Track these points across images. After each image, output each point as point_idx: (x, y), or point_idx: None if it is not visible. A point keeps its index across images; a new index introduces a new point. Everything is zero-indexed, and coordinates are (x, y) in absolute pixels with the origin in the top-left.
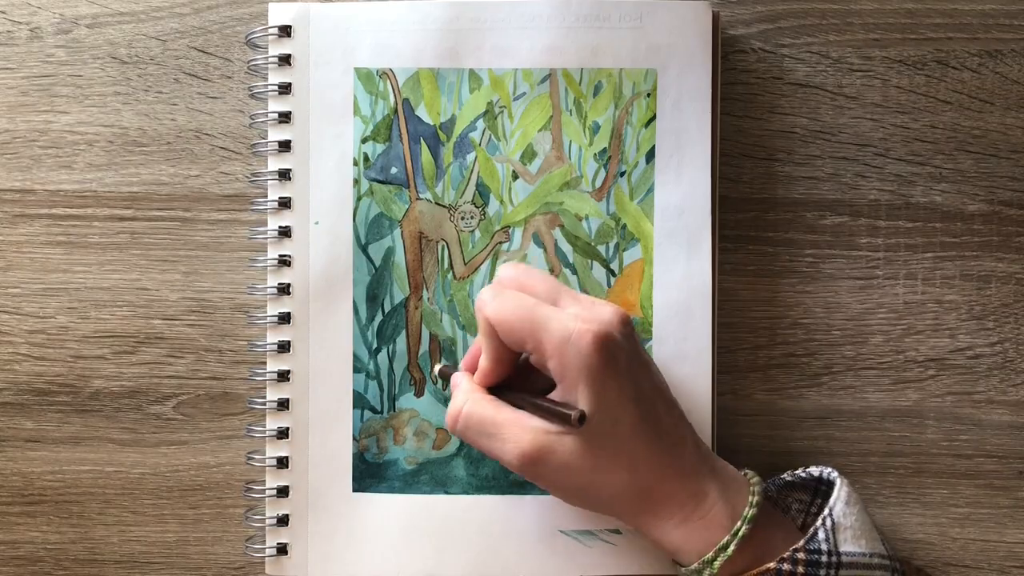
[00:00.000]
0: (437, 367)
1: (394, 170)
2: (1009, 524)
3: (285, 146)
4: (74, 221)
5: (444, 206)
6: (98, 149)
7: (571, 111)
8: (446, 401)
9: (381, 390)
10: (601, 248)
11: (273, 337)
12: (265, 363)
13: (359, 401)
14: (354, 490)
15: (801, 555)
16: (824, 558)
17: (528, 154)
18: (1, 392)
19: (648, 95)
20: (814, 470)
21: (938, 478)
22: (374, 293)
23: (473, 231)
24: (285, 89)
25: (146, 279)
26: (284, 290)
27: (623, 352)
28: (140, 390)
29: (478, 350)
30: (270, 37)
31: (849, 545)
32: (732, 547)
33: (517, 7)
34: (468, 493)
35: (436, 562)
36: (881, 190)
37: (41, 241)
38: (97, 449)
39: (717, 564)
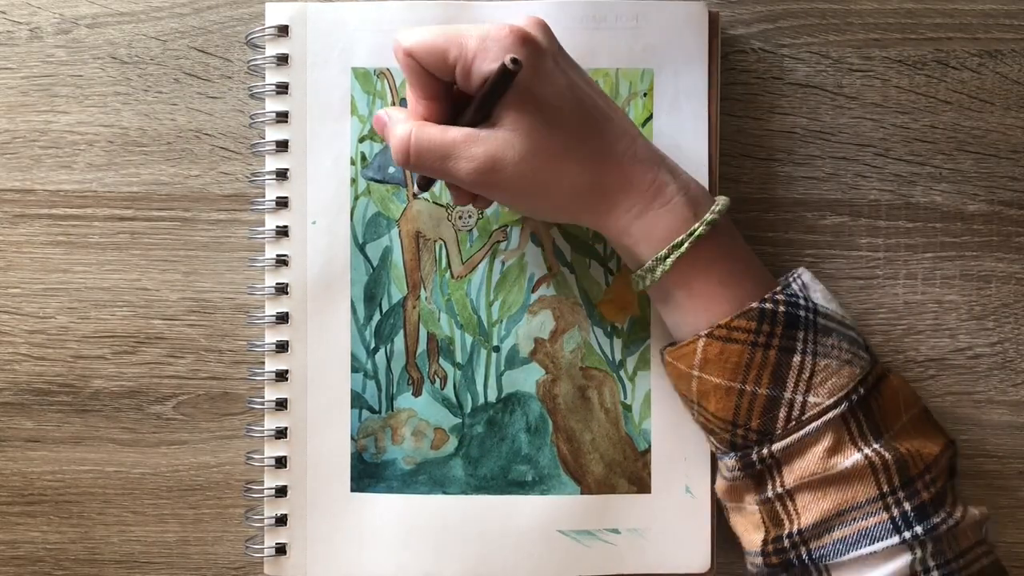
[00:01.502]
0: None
1: (392, 169)
2: (1009, 524)
3: (283, 146)
4: (74, 221)
5: (442, 205)
6: (98, 149)
7: None
8: (444, 401)
9: (379, 390)
10: (599, 247)
11: (271, 337)
12: (264, 363)
13: (357, 401)
14: (352, 490)
15: (780, 296)
16: (802, 302)
17: None
18: (1, 392)
19: (645, 95)
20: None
21: None
22: (372, 292)
23: (471, 230)
24: (283, 89)
25: (146, 279)
26: (282, 290)
27: (545, 44)
28: (140, 390)
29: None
30: (268, 37)
31: (821, 301)
32: (686, 245)
33: (514, 8)
34: (466, 493)
35: (434, 562)
36: (881, 190)
37: (41, 241)
38: (97, 449)
39: (670, 261)
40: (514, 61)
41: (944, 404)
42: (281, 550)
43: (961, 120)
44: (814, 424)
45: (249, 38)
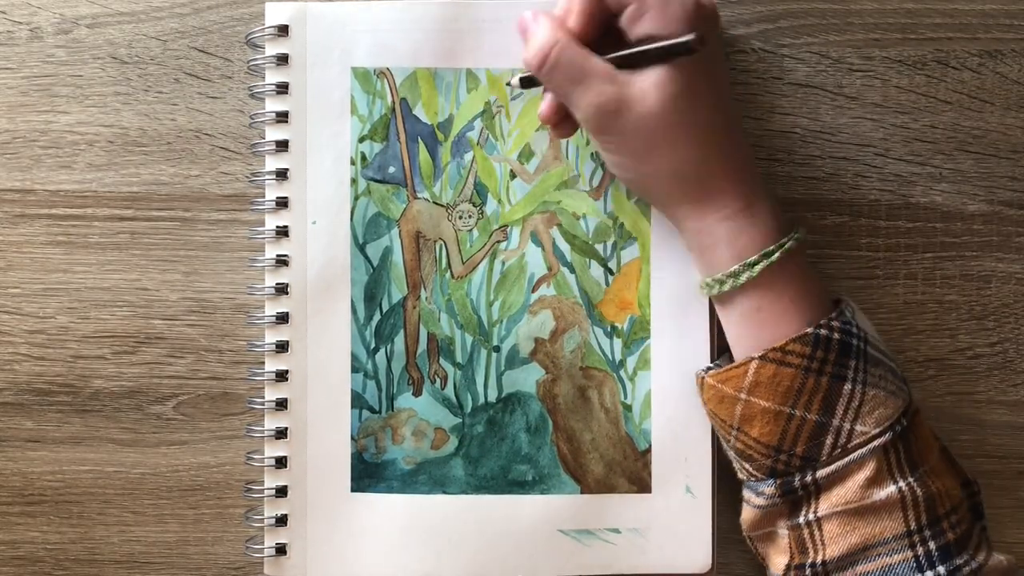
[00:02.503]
0: (516, 77)
1: (392, 169)
2: (1009, 524)
3: (283, 146)
4: (74, 221)
5: (442, 205)
6: (98, 149)
7: None
8: (445, 401)
9: (379, 390)
10: (599, 247)
11: (271, 337)
12: (264, 363)
13: (357, 401)
14: (352, 490)
15: (836, 323)
16: (855, 330)
17: (526, 153)
18: (1, 392)
19: None
20: None
21: None
22: (372, 292)
23: (471, 230)
24: (283, 89)
25: (146, 279)
26: (282, 290)
27: (718, 32)
28: (140, 390)
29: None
30: (268, 37)
31: (871, 332)
32: (777, 255)
33: (514, 7)
34: (466, 493)
35: (434, 562)
36: (881, 190)
37: (41, 241)
38: (97, 449)
39: (758, 268)
40: (700, 41)
41: (944, 404)
42: (281, 550)
43: (961, 120)
44: (859, 452)
45: (249, 38)
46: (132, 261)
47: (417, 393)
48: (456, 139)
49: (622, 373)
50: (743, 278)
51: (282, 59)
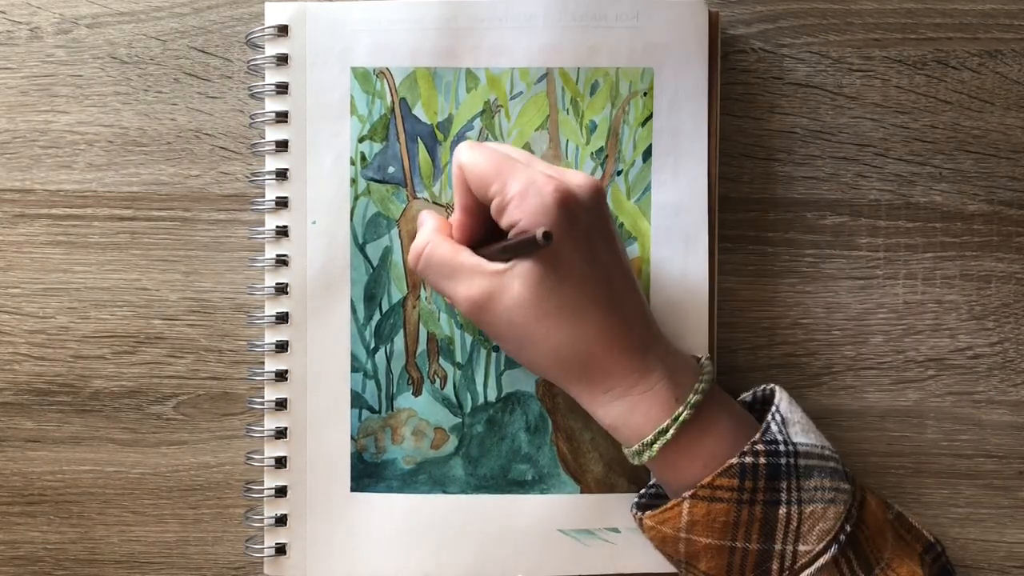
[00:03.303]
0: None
1: (391, 169)
2: (1009, 524)
3: (282, 146)
4: (74, 221)
5: (442, 205)
6: (98, 149)
7: (568, 110)
8: (444, 401)
9: (379, 389)
10: None
11: (271, 337)
12: (264, 363)
13: (357, 401)
14: (352, 490)
15: (760, 446)
16: (782, 447)
17: None
18: (1, 392)
19: (645, 94)
20: (748, 394)
21: (938, 478)
22: (372, 292)
23: None
24: (282, 89)
25: (146, 279)
26: (282, 290)
27: (585, 213)
28: (140, 390)
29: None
30: (267, 37)
31: (800, 437)
32: (671, 431)
33: (514, 6)
34: (466, 493)
35: (434, 562)
36: (881, 190)
37: (41, 241)
38: (97, 449)
39: (656, 447)
40: (545, 236)
41: (944, 404)
42: (281, 550)
43: (961, 120)
44: (807, 572)
45: (249, 38)
46: (132, 261)
47: (417, 393)
48: (456, 139)
49: None
50: (645, 456)
51: (282, 59)
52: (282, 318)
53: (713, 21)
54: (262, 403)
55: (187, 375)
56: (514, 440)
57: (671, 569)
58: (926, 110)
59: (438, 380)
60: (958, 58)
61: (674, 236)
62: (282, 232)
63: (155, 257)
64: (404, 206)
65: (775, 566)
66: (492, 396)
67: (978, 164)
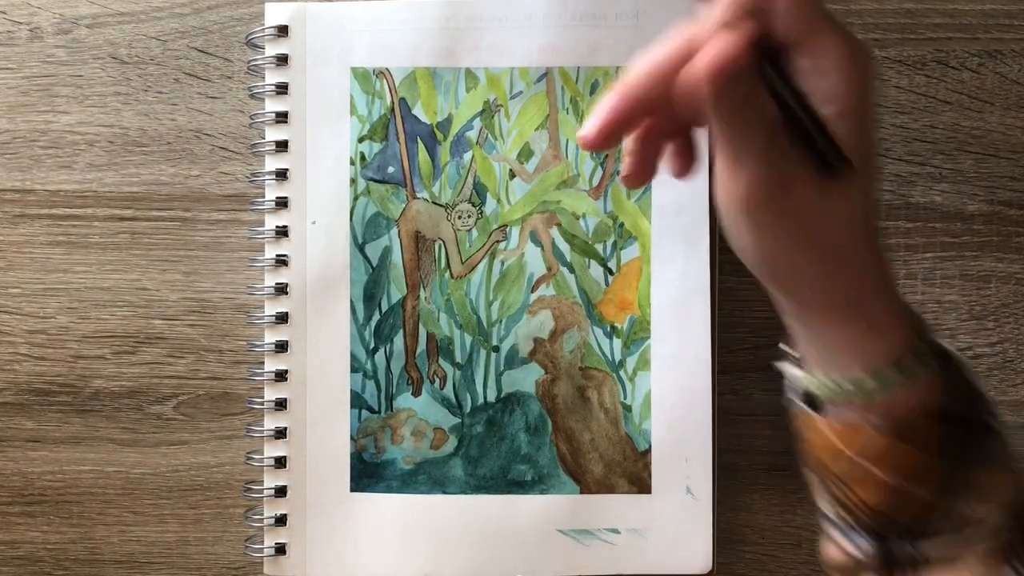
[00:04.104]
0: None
1: (391, 169)
2: None
3: (282, 146)
4: (74, 221)
5: (441, 205)
6: (98, 149)
7: (568, 109)
8: (444, 401)
9: (379, 389)
10: (599, 247)
11: (271, 337)
12: (263, 363)
13: (356, 401)
14: (352, 490)
15: (967, 401)
16: (989, 406)
17: (525, 153)
18: (1, 392)
19: None
20: None
21: None
22: (371, 292)
23: (470, 230)
24: (282, 89)
25: (146, 279)
26: (282, 290)
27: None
28: (140, 390)
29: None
30: (267, 37)
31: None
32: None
33: (513, 6)
34: (466, 493)
35: (434, 562)
36: (881, 190)
37: (41, 241)
38: (97, 449)
39: (897, 383)
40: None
41: None
42: (281, 550)
43: (961, 120)
44: (975, 533)
45: (249, 38)
46: (132, 261)
47: (416, 393)
48: (455, 139)
49: (622, 373)
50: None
51: (282, 59)
52: (282, 318)
53: None
54: (262, 403)
55: (187, 375)
56: (514, 440)
57: (670, 571)
58: (926, 110)
59: (438, 380)
60: (958, 58)
61: (675, 236)
62: (282, 232)
63: (155, 257)
64: (404, 206)
65: (943, 517)
66: (492, 396)
67: (978, 164)
